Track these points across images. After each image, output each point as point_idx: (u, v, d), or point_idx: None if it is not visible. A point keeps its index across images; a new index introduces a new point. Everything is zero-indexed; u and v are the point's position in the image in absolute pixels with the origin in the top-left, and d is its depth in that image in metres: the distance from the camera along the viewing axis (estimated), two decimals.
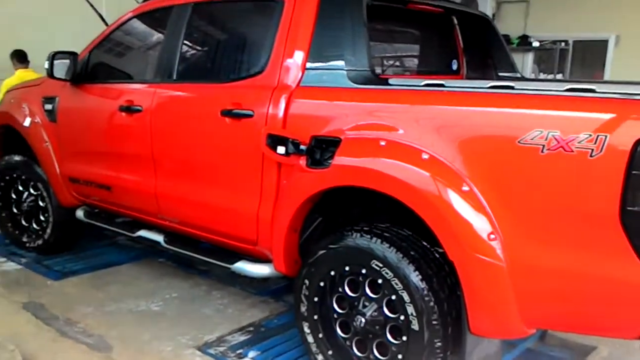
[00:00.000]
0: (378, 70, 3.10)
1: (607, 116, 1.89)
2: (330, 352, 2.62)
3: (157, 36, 3.67)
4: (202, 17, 3.36)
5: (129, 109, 3.43)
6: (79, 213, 4.09)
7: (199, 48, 3.48)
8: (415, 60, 3.71)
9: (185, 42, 3.31)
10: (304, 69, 2.72)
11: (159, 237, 3.53)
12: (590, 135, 1.86)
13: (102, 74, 3.82)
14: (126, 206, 3.72)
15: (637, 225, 1.83)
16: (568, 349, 3.16)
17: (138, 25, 3.76)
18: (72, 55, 3.78)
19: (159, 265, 4.28)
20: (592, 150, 1.86)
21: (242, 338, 3.20)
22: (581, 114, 1.95)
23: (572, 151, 1.89)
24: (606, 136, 1.84)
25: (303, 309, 2.68)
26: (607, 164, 1.85)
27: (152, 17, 3.67)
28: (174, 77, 3.31)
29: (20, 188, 4.42)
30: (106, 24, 4.34)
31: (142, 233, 3.66)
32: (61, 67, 3.76)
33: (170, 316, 3.44)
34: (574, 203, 1.94)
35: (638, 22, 8.74)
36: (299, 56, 2.73)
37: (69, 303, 3.58)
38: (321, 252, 2.59)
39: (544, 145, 1.93)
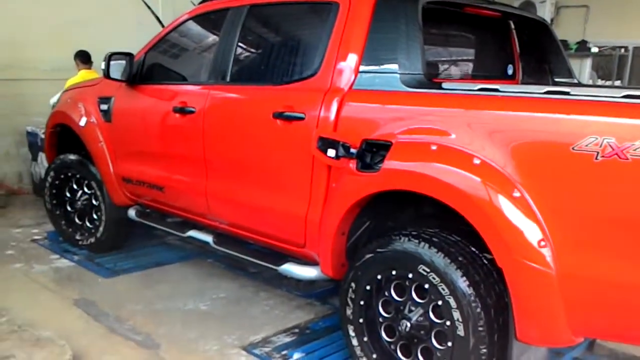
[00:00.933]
0: (432, 74, 3.16)
1: None
2: (374, 356, 2.70)
3: (212, 38, 3.83)
4: (257, 19, 3.49)
5: (182, 110, 3.58)
6: (131, 212, 4.29)
7: (253, 50, 3.62)
8: (470, 65, 3.75)
9: (240, 44, 3.45)
10: (357, 72, 2.81)
11: (208, 238, 3.67)
12: None
13: (157, 75, 4.00)
14: (177, 206, 3.88)
15: None
16: (617, 359, 3.16)
17: (193, 27, 3.93)
18: (128, 56, 3.95)
19: (208, 266, 4.43)
20: None
21: (287, 339, 3.30)
22: (637, 121, 1.98)
23: (627, 159, 1.92)
24: None
25: (348, 312, 2.76)
26: None
27: (207, 19, 3.82)
28: (228, 79, 3.45)
29: (75, 187, 4.66)
30: (162, 26, 4.52)
31: (192, 233, 3.81)
32: (117, 67, 3.94)
33: (217, 316, 3.57)
34: (626, 212, 1.97)
35: None
36: (352, 59, 2.83)
37: (118, 300, 3.74)
38: (368, 255, 2.67)
39: (598, 152, 1.97)
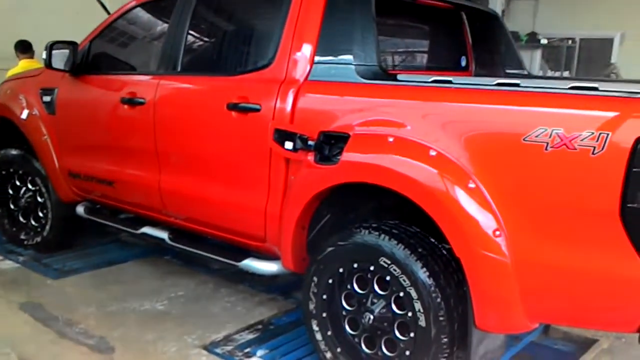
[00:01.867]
0: (387, 65, 3.33)
1: (609, 114, 2.13)
2: (338, 350, 2.88)
3: (161, 26, 3.91)
4: (208, 8, 3.60)
5: (131, 101, 3.66)
6: (79, 209, 4.34)
7: (204, 39, 3.72)
8: (425, 56, 3.95)
9: (191, 33, 3.55)
10: (312, 62, 2.96)
11: (163, 234, 3.77)
12: (593, 133, 2.10)
13: (104, 65, 4.07)
14: (129, 202, 3.96)
15: (637, 222, 2.07)
16: (571, 342, 3.45)
17: (142, 14, 4.00)
18: (71, 45, 4.00)
19: (164, 263, 4.53)
20: (594, 147, 2.09)
21: (250, 336, 3.43)
22: (584, 112, 2.19)
23: (575, 149, 2.13)
24: (608, 134, 2.08)
25: (311, 306, 2.93)
26: (608, 161, 2.08)
27: (156, 7, 3.90)
28: (179, 68, 3.55)
29: (18, 183, 4.68)
30: (108, 13, 4.58)
31: (146, 230, 3.90)
32: (60, 57, 3.98)
33: (176, 315, 3.66)
34: (576, 200, 2.18)
35: None
36: (307, 49, 2.97)
37: (69, 303, 3.78)
38: (330, 249, 2.83)
39: (547, 143, 2.18)
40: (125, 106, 3.72)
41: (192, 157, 3.48)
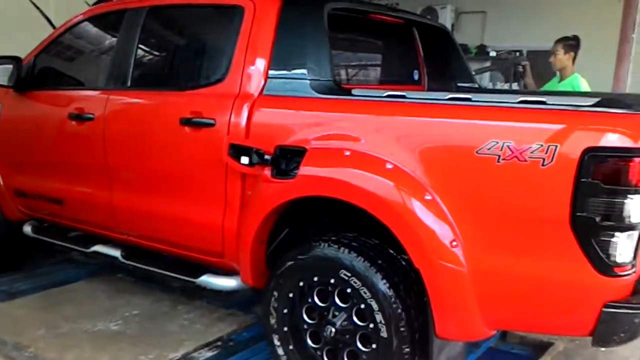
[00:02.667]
0: (341, 80, 3.42)
1: (557, 127, 2.27)
2: None
3: (110, 40, 3.91)
4: (157, 22, 3.63)
5: (79, 117, 3.66)
6: (27, 228, 4.27)
7: (155, 54, 3.76)
8: (379, 71, 4.08)
9: (141, 47, 3.57)
10: (266, 77, 3.02)
11: (116, 252, 3.75)
12: (542, 145, 2.23)
13: (50, 80, 4.05)
14: (80, 220, 3.94)
15: (586, 230, 2.21)
16: (527, 346, 3.61)
17: (89, 28, 4.00)
18: (14, 60, 3.96)
19: (118, 281, 4.48)
20: (544, 159, 2.22)
21: (209, 354, 3.44)
22: (533, 124, 2.33)
23: (526, 160, 2.25)
24: (556, 146, 2.21)
25: (272, 321, 2.97)
26: (557, 172, 2.21)
27: (104, 21, 3.91)
28: (129, 83, 3.56)
29: None
30: (53, 27, 4.54)
31: (98, 248, 3.87)
32: (3, 72, 3.93)
33: (131, 335, 3.62)
34: (529, 210, 2.31)
35: (585, 33, 9.83)
36: (260, 64, 3.03)
37: (17, 326, 3.70)
38: (289, 263, 2.88)
39: (499, 155, 2.29)
40: (73, 122, 3.70)
41: (145, 174, 3.49)
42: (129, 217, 3.63)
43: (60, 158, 3.94)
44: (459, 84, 4.08)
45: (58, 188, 3.95)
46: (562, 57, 5.29)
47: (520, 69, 4.22)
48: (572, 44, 5.38)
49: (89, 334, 3.66)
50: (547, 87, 5.51)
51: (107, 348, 3.48)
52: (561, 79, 5.39)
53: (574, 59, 5.40)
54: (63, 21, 4.08)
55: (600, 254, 2.21)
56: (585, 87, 5.25)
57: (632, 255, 2.24)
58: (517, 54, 10.70)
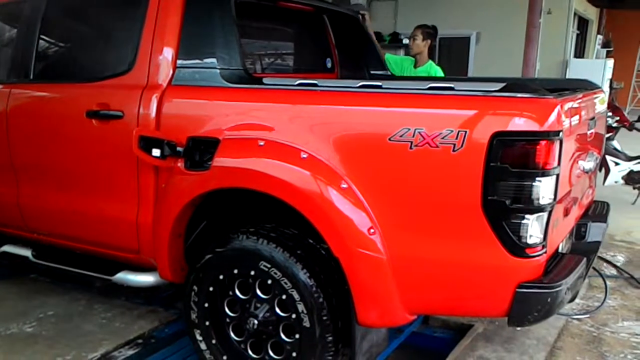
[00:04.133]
0: (252, 69, 3.34)
1: (466, 112, 2.29)
2: (224, 357, 2.89)
3: (10, 32, 3.70)
4: (60, 11, 3.46)
5: None
6: None
7: (58, 45, 3.58)
8: (291, 59, 4.03)
9: (42, 38, 3.40)
10: (175, 67, 2.92)
11: (26, 252, 3.62)
12: (452, 131, 2.24)
13: None
14: None
15: (497, 213, 2.24)
16: (449, 329, 3.68)
17: None
18: None
19: (30, 282, 4.31)
20: (455, 145, 2.24)
21: (130, 352, 3.37)
22: (443, 111, 2.34)
23: (437, 146, 2.27)
24: (466, 132, 2.23)
25: (193, 316, 2.92)
26: (468, 157, 2.24)
27: (3, 10, 3.70)
28: (31, 76, 3.40)
29: None
30: None
31: (7, 248, 3.73)
32: None
33: (47, 336, 3.51)
34: (442, 195, 2.33)
35: (495, 20, 10.22)
36: (168, 53, 2.92)
37: None
38: (208, 256, 2.83)
39: (411, 142, 2.30)
40: None
41: (52, 170, 3.36)
42: (37, 215, 3.50)
43: None
44: (372, 72, 4.08)
45: None
46: (419, 43, 5.33)
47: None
48: (430, 32, 5.45)
49: (2, 337, 3.53)
50: (404, 72, 5.56)
51: (22, 351, 3.36)
52: (417, 65, 5.45)
53: (430, 47, 5.46)
54: None
55: (512, 236, 2.25)
56: (440, 74, 5.36)
57: (542, 236, 2.30)
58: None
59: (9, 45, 3.66)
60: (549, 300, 2.31)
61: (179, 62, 2.92)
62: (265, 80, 2.86)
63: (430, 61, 5.42)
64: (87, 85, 3.19)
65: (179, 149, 2.78)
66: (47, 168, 3.38)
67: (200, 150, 2.76)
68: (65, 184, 3.32)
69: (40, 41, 3.41)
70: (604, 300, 4.12)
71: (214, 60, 2.86)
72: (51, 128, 3.30)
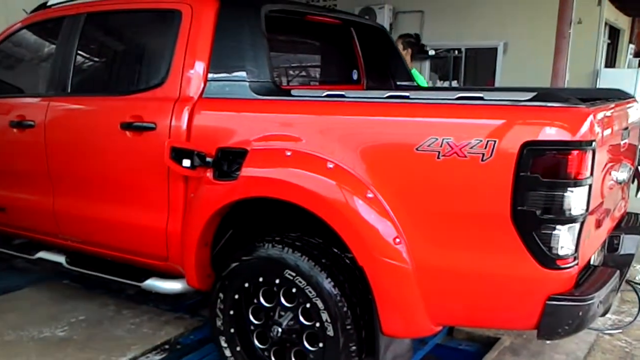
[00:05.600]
0: (280, 81, 3.24)
1: (495, 122, 2.11)
2: None
3: (49, 47, 3.66)
4: (96, 28, 3.40)
5: (20, 124, 3.44)
6: None
7: (94, 60, 3.52)
8: (318, 71, 3.93)
9: (80, 53, 3.34)
10: (206, 80, 2.81)
11: (60, 258, 3.53)
12: (481, 140, 2.08)
13: None
14: (23, 227, 3.69)
15: (527, 223, 2.06)
16: (474, 341, 3.45)
17: (28, 35, 3.74)
18: None
19: (63, 288, 4.20)
20: (483, 154, 2.07)
21: (157, 357, 3.24)
22: (472, 120, 2.17)
23: (465, 156, 2.10)
24: (495, 141, 2.06)
25: (219, 323, 2.77)
26: (497, 167, 2.07)
27: (43, 27, 3.66)
28: (69, 89, 3.34)
29: None
30: None
31: (42, 255, 3.64)
32: None
33: (78, 341, 3.40)
34: (470, 205, 2.15)
35: (523, 30, 9.95)
36: (199, 67, 2.82)
37: None
38: (234, 264, 2.69)
39: (439, 152, 2.13)
40: (15, 130, 3.47)
41: (87, 179, 3.26)
42: (72, 223, 3.39)
43: (3, 166, 3.68)
44: (398, 83, 3.94)
45: (1, 196, 3.69)
46: (400, 52, 5.21)
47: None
48: (411, 41, 5.33)
49: (35, 341, 3.42)
50: None
51: (54, 354, 3.24)
52: None
53: (412, 55, 5.30)
54: (1, 30, 3.80)
55: (542, 247, 2.07)
56: (423, 83, 5.18)
57: (573, 247, 2.11)
58: (456, 52, 10.63)
59: (47, 60, 3.61)
60: (580, 313, 2.11)
61: (209, 75, 2.82)
62: (292, 92, 2.73)
63: (414, 69, 5.23)
64: (122, 98, 3.10)
65: (208, 159, 2.67)
66: (81, 177, 3.28)
67: (229, 160, 2.65)
68: (98, 192, 3.22)
69: (78, 56, 3.34)
70: (638, 314, 3.77)
71: (243, 73, 2.75)
72: (86, 139, 3.22)
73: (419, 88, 4.07)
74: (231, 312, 2.73)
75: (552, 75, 6.58)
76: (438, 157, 2.14)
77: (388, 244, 2.26)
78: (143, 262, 3.15)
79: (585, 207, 2.09)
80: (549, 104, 2.10)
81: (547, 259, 2.07)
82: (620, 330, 3.63)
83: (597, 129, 2.12)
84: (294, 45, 3.77)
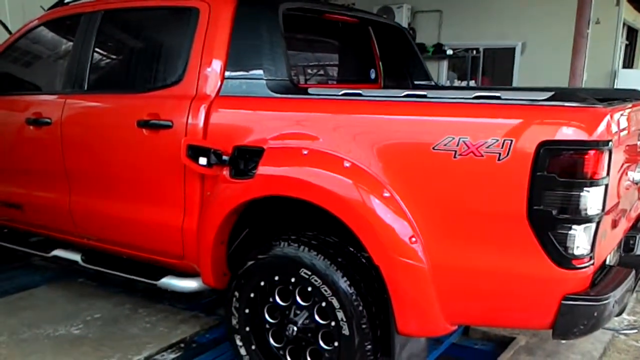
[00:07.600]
0: (297, 79, 3.29)
1: (512, 121, 2.17)
2: None
3: (66, 45, 3.73)
4: (113, 26, 3.46)
5: (37, 122, 3.50)
6: None
7: (111, 57, 3.59)
8: (335, 70, 3.98)
9: (97, 51, 3.41)
10: (223, 78, 2.87)
11: (76, 256, 3.59)
12: (497, 140, 2.13)
13: (7, 86, 3.85)
14: (39, 225, 3.77)
15: (543, 223, 2.11)
16: (490, 341, 3.50)
17: (45, 33, 3.82)
18: None
19: (78, 286, 4.29)
20: (500, 154, 2.12)
21: (172, 356, 3.30)
22: (488, 120, 2.23)
23: (482, 155, 2.15)
24: (512, 140, 2.11)
25: (234, 321, 2.83)
26: (513, 166, 2.12)
27: (60, 25, 3.73)
28: (85, 87, 3.40)
29: None
30: (9, 32, 4.34)
31: (58, 252, 3.70)
32: None
33: (93, 339, 3.47)
34: (486, 204, 2.20)
35: (541, 30, 9.96)
36: (217, 65, 2.88)
37: None
38: (250, 263, 2.75)
39: (456, 151, 2.19)
40: (31, 127, 3.55)
41: (103, 177, 3.33)
42: (87, 221, 3.47)
43: (19, 163, 3.76)
44: (416, 82, 3.99)
45: (17, 193, 3.78)
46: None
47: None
48: None
49: (50, 338, 3.49)
50: None
51: (69, 352, 3.32)
52: None
53: None
54: (19, 26, 3.89)
55: (558, 247, 2.12)
56: None
57: (589, 247, 2.16)
58: (474, 52, 10.67)
59: (64, 57, 3.68)
60: (595, 313, 2.16)
61: (226, 73, 2.88)
62: (310, 91, 2.79)
63: None
64: (139, 95, 3.16)
65: (224, 157, 2.73)
66: (98, 175, 3.35)
67: (245, 159, 2.70)
68: (114, 190, 3.29)
69: (95, 54, 3.41)
70: None
71: (260, 71, 2.81)
72: (103, 137, 3.28)
73: (436, 87, 4.12)
74: (247, 311, 2.79)
75: (570, 75, 6.59)
76: (455, 157, 2.19)
77: (404, 243, 2.31)
78: (159, 260, 3.21)
79: (601, 207, 2.14)
80: (566, 104, 2.15)
81: (563, 258, 2.12)
82: (636, 331, 3.68)
83: (614, 129, 2.17)
84: (311, 43, 3.82)
